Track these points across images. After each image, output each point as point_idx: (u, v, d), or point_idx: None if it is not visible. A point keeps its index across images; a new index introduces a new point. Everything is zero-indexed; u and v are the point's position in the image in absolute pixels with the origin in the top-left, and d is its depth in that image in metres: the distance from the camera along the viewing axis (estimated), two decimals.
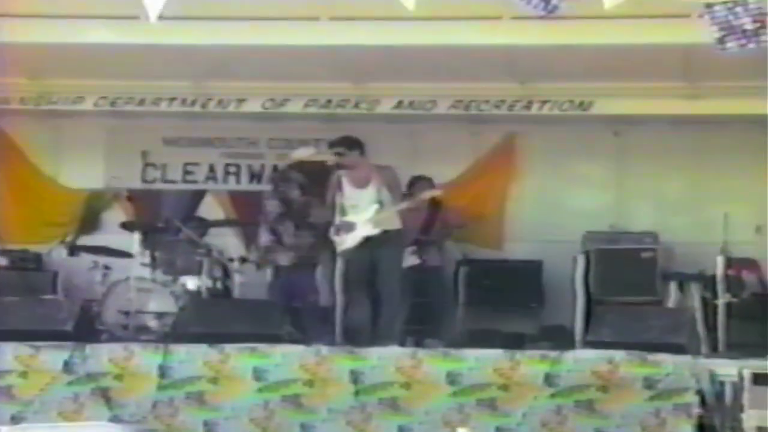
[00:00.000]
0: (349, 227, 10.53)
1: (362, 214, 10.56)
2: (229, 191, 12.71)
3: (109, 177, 12.49)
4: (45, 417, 9.61)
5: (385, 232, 10.50)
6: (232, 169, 12.78)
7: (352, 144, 10.63)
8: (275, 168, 12.24)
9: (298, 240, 11.17)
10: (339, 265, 10.83)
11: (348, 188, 10.62)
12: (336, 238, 10.54)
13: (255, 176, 12.78)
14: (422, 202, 10.82)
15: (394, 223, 10.56)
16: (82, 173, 12.69)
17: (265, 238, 11.22)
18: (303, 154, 11.36)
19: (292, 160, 11.42)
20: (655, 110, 11.35)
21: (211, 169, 12.76)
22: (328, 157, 10.69)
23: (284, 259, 11.12)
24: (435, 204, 11.48)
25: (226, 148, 12.76)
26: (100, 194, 12.57)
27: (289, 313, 10.75)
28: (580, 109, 11.39)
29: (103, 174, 12.58)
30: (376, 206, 10.56)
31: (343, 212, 10.55)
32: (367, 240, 10.40)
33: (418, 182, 11.45)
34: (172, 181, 12.76)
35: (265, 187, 12.59)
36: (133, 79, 11.61)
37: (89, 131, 12.57)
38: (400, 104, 11.66)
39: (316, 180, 10.90)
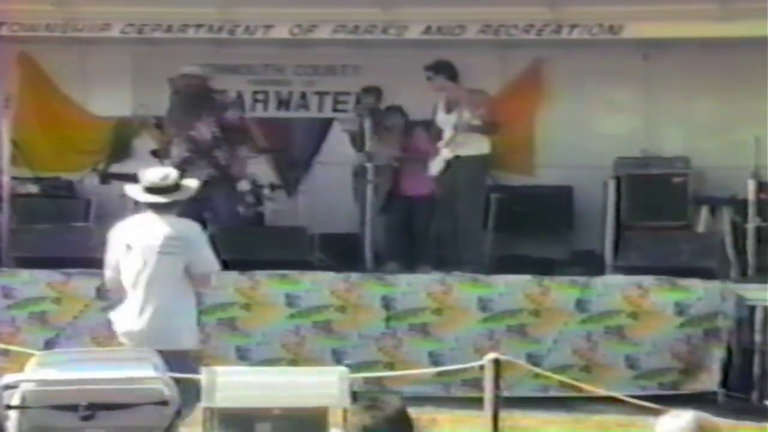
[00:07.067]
0: (436, 152, 10.68)
1: (444, 138, 10.70)
2: (257, 119, 12.67)
3: (136, 105, 12.46)
4: (78, 342, 9.70)
5: (458, 158, 10.52)
6: (259, 97, 12.72)
7: (439, 68, 10.79)
8: None
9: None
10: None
11: (440, 113, 10.87)
12: (432, 163, 10.71)
13: (282, 103, 12.72)
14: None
15: (471, 149, 10.58)
16: (109, 101, 12.65)
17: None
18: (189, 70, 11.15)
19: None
20: (684, 33, 11.20)
21: (239, 96, 12.69)
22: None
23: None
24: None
25: (253, 76, 12.69)
26: (128, 122, 12.54)
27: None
28: (610, 32, 11.24)
29: (131, 102, 12.56)
30: (450, 131, 10.64)
31: (440, 136, 10.78)
32: (448, 164, 10.48)
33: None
34: None
35: (293, 114, 12.61)
36: (159, 5, 11.53)
37: (116, 59, 12.50)
38: (428, 29, 11.54)
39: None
